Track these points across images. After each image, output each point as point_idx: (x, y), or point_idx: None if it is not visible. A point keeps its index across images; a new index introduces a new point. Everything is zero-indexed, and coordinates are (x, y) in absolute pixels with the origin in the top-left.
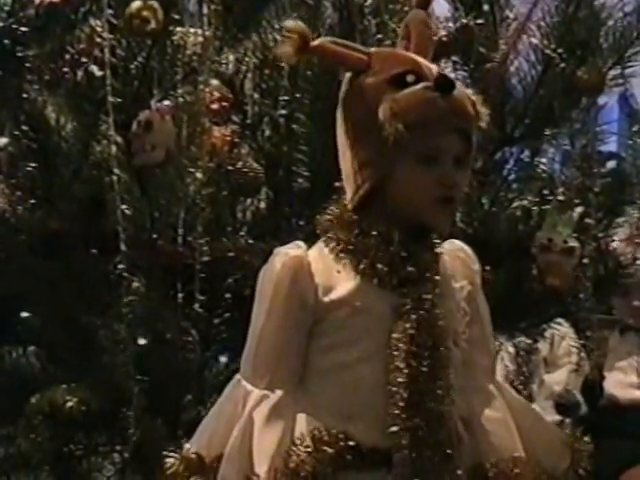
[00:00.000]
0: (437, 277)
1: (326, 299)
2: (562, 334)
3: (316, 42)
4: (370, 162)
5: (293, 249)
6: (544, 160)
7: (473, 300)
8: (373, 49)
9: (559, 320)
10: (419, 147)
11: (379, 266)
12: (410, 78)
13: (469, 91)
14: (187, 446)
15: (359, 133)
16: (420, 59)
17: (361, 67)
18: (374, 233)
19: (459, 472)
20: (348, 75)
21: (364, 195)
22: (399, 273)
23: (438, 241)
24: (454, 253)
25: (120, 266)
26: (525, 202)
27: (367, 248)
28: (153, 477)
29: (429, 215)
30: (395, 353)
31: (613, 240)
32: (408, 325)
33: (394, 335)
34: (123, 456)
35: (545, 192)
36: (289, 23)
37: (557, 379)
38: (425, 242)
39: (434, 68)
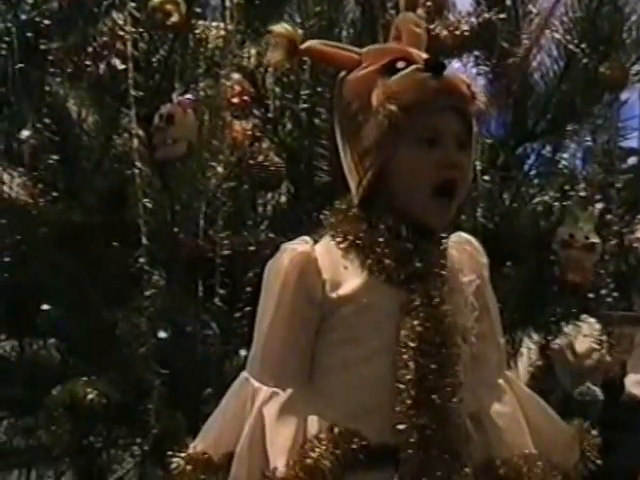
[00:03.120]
0: (445, 272)
1: (333, 295)
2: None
3: (305, 45)
4: (369, 151)
5: (300, 245)
6: (566, 156)
7: (481, 294)
8: (365, 48)
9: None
10: (416, 128)
11: (387, 262)
12: (400, 64)
13: (462, 73)
14: (192, 445)
15: (355, 125)
16: (410, 48)
17: (352, 65)
18: (382, 228)
19: (467, 470)
20: (341, 74)
21: (367, 186)
22: (407, 269)
23: (445, 235)
24: (461, 246)
25: (141, 259)
26: (546, 198)
27: (374, 243)
28: (172, 471)
29: (427, 209)
30: (403, 350)
31: (637, 238)
32: (416, 322)
33: (402, 332)
34: (143, 449)
35: (566, 188)
36: (277, 27)
37: None
38: (432, 236)
39: (424, 54)
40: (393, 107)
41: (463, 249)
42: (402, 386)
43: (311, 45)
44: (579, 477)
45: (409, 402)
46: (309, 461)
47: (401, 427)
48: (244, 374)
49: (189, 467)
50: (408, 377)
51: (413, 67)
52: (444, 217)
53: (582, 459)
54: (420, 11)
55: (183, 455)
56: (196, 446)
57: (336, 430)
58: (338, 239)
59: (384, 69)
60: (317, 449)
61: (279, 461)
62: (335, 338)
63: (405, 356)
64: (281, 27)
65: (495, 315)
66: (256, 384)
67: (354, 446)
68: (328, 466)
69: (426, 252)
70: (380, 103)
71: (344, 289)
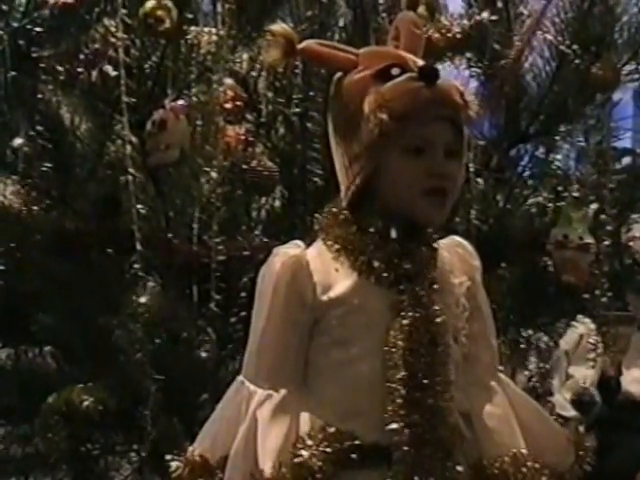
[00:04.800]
0: (434, 273)
1: (324, 298)
2: (588, 330)
3: (302, 44)
4: (360, 156)
5: (292, 248)
6: (559, 157)
7: (473, 296)
8: (361, 49)
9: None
10: (406, 137)
11: (376, 263)
12: (395, 71)
13: (456, 81)
14: (190, 449)
15: (348, 129)
16: (405, 53)
17: (349, 67)
18: (371, 230)
19: (459, 469)
20: (337, 75)
21: (356, 190)
22: (396, 270)
23: (435, 236)
24: (453, 249)
25: (135, 265)
26: (540, 199)
27: (364, 245)
28: (170, 476)
29: (418, 207)
30: (393, 350)
31: (633, 237)
32: (405, 322)
33: (392, 332)
34: (140, 455)
35: (560, 189)
36: (274, 27)
37: (585, 374)
38: (422, 238)
39: (419, 61)
40: (384, 116)
41: (454, 251)
42: (393, 385)
43: (308, 45)
44: (574, 479)
45: (400, 401)
46: (297, 460)
47: (393, 426)
48: (240, 378)
49: (187, 470)
50: (398, 376)
51: (407, 75)
52: (436, 214)
53: (577, 461)
54: (421, 9)
55: (181, 459)
56: (193, 450)
57: (329, 430)
58: (329, 242)
59: (378, 74)
60: (308, 448)
61: (267, 463)
62: (327, 340)
63: (395, 356)
64: (279, 26)
65: (487, 316)
66: (251, 387)
67: (346, 446)
68: (318, 465)
69: (415, 253)
70: (372, 110)
71: (335, 291)
